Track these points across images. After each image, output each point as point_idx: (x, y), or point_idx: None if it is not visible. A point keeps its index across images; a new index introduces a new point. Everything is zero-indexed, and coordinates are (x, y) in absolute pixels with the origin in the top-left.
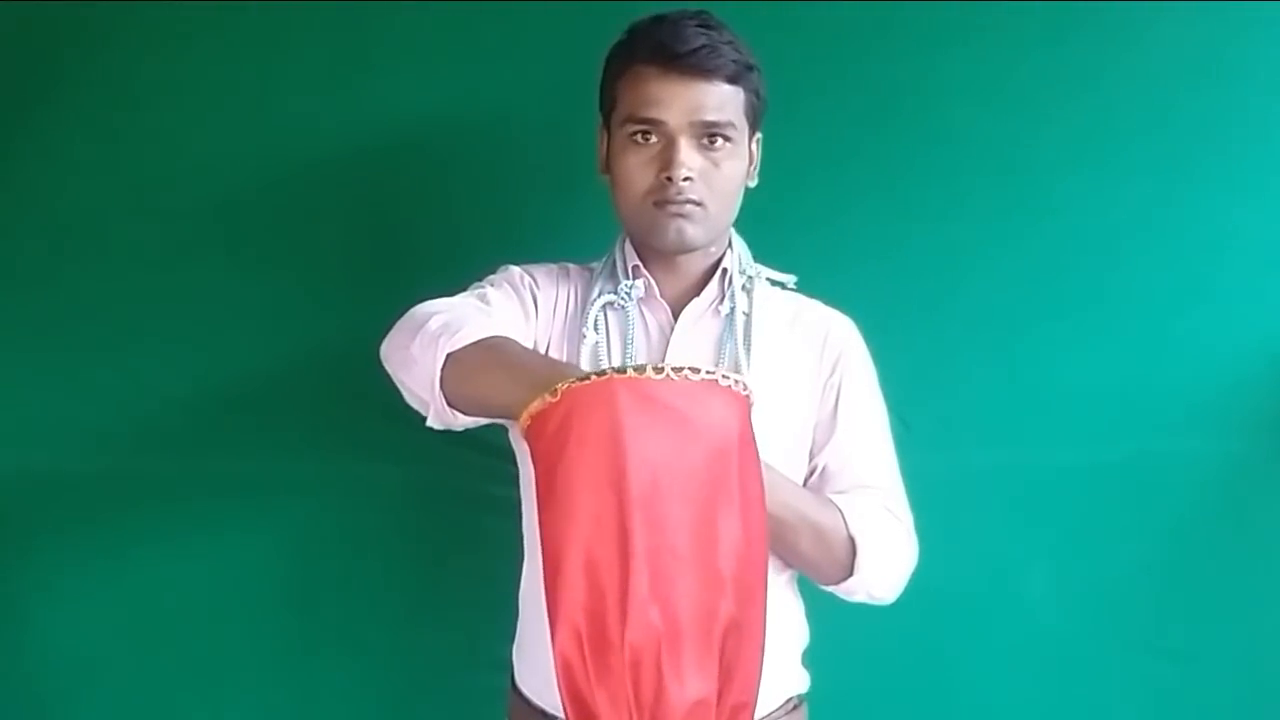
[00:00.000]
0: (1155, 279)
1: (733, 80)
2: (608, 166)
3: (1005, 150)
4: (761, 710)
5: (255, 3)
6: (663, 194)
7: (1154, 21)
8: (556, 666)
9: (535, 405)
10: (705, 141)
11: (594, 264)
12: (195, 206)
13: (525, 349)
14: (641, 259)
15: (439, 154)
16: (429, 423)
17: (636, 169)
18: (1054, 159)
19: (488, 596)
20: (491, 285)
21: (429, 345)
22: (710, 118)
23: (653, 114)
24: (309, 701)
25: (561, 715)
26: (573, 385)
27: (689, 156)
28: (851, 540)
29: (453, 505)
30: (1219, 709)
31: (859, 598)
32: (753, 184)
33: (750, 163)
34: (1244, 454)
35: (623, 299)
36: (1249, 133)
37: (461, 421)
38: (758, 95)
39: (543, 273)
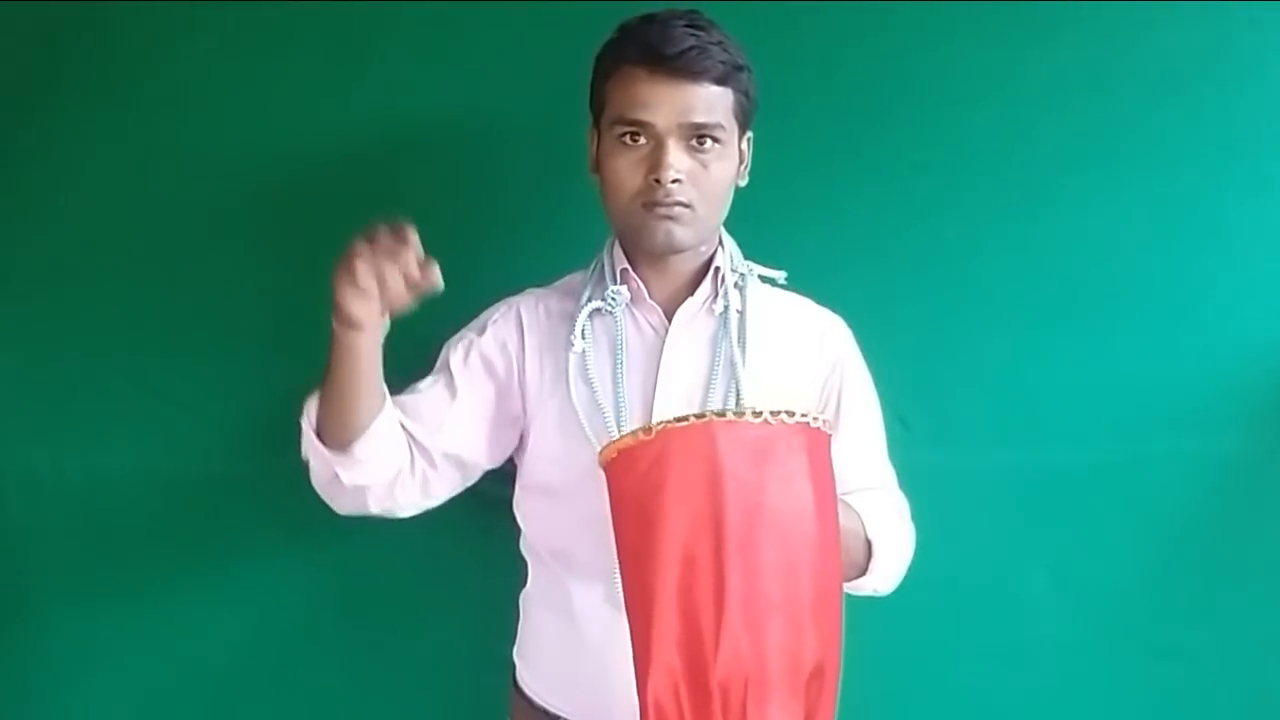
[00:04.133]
0: (1155, 279)
1: (721, 81)
2: (598, 166)
3: (1005, 149)
4: None
5: (255, 3)
6: (651, 196)
7: (1152, 21)
8: (646, 709)
9: (625, 441)
10: (694, 143)
11: (580, 272)
12: (193, 206)
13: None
14: (631, 261)
15: (436, 154)
16: (369, 505)
17: (625, 171)
18: (1053, 158)
19: (488, 596)
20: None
21: (308, 448)
22: (698, 119)
23: (640, 116)
24: (309, 701)
25: (564, 715)
26: (669, 426)
27: (677, 159)
28: (869, 543)
29: (453, 505)
30: (1219, 709)
31: (863, 593)
32: (743, 183)
33: (741, 162)
34: (1244, 454)
35: (610, 305)
36: (1249, 133)
37: (358, 467)
38: (747, 95)
39: (489, 326)
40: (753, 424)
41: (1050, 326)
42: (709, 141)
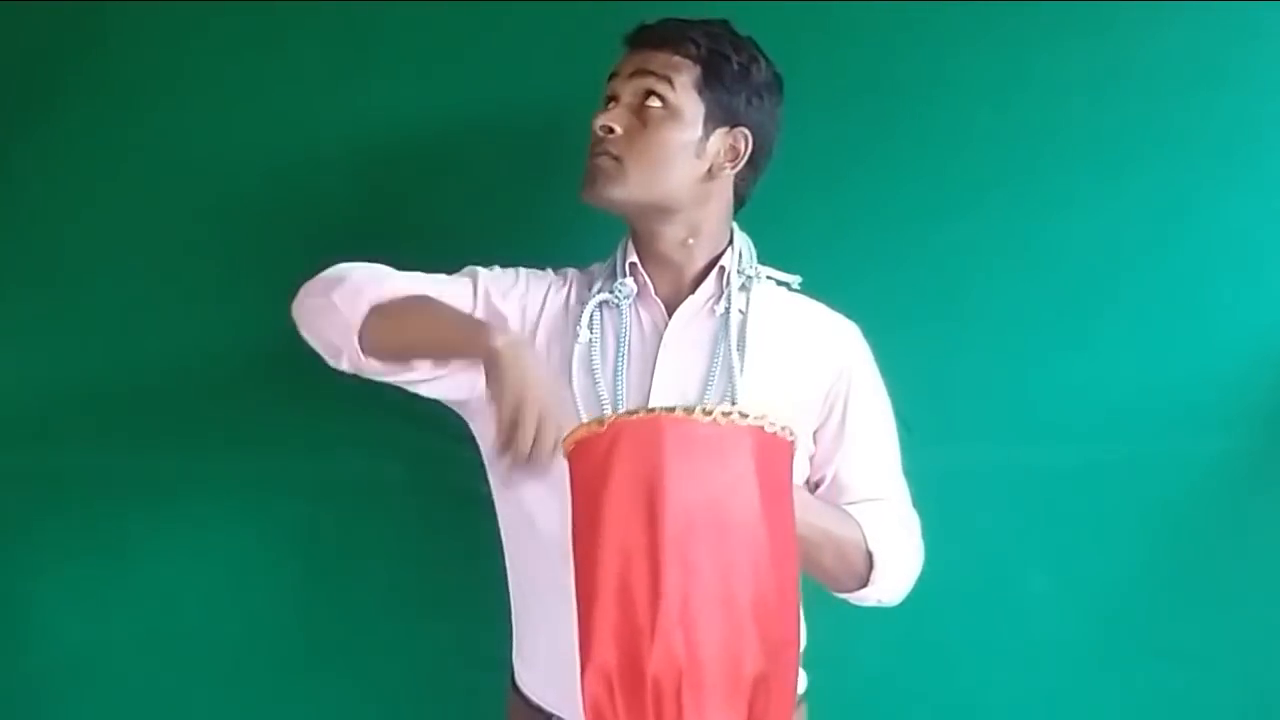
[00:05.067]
0: (1155, 279)
1: (690, 56)
2: None
3: (1006, 150)
4: None
5: (255, 3)
6: (591, 146)
7: (1159, 24)
8: (585, 706)
9: (581, 432)
10: (642, 103)
11: (597, 266)
12: (194, 206)
13: (449, 306)
14: (640, 258)
15: (441, 153)
16: (340, 365)
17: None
18: (1055, 159)
19: (487, 596)
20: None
21: (352, 296)
22: (648, 68)
23: (612, 81)
24: (308, 701)
25: (561, 715)
26: (620, 418)
27: (617, 113)
28: (870, 555)
29: (453, 505)
30: (1219, 709)
31: (868, 604)
32: (718, 176)
33: (731, 157)
34: (1244, 454)
35: (617, 298)
36: (1250, 133)
37: (373, 368)
38: (727, 89)
39: (523, 273)
40: (702, 423)
41: (1051, 326)
42: (655, 100)
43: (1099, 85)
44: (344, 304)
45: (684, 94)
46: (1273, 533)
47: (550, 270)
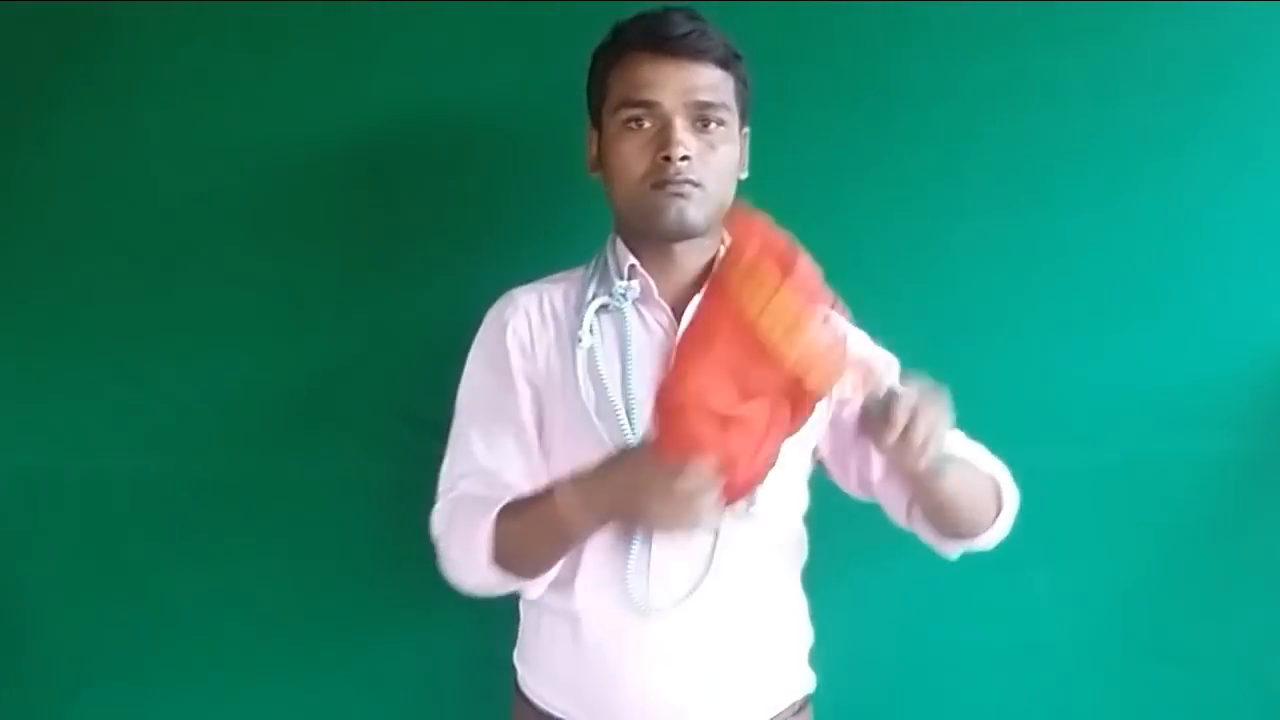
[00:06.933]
0: (1156, 279)
1: (723, 65)
2: (599, 164)
3: (1008, 150)
4: (769, 712)
5: (255, 3)
6: (661, 175)
7: (1163, 25)
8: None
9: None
10: (700, 124)
11: (577, 270)
12: (194, 207)
13: (525, 497)
14: (637, 258)
15: (437, 154)
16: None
17: (632, 154)
18: (1056, 159)
19: (488, 597)
20: (475, 419)
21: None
22: (704, 98)
23: (647, 96)
24: (309, 702)
25: (565, 719)
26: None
27: (686, 137)
28: (993, 479)
29: None
30: (1220, 709)
31: (978, 547)
32: (743, 175)
33: (740, 154)
34: (1244, 454)
35: (618, 301)
36: (1250, 133)
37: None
38: (745, 85)
39: (488, 340)
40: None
41: (1051, 327)
42: (713, 123)
43: (1103, 87)
44: (473, 570)
45: (732, 108)
46: (1273, 533)
47: (507, 304)
